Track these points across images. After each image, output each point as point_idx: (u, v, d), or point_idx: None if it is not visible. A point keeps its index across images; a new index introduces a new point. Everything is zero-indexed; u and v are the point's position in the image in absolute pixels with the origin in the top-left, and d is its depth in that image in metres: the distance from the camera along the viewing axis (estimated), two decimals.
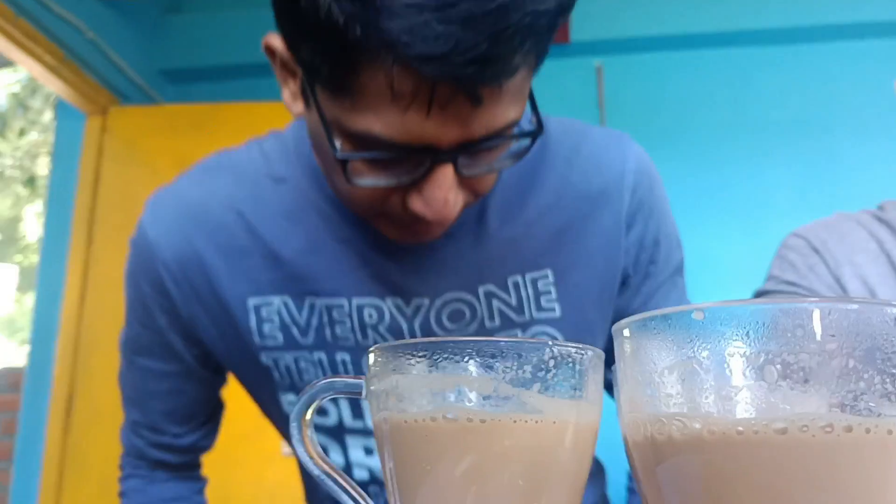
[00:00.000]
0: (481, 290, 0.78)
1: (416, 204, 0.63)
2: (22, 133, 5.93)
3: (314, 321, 0.77)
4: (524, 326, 0.80)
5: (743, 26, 2.74)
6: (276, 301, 0.77)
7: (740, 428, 0.26)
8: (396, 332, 0.77)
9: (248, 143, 0.84)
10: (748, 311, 0.27)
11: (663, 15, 2.77)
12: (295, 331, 0.77)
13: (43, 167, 5.98)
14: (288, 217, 0.78)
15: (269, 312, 0.77)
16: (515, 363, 0.35)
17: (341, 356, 0.78)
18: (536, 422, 0.35)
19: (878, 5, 2.66)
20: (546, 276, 0.79)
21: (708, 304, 0.27)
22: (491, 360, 0.35)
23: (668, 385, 0.28)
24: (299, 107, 0.70)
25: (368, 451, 0.83)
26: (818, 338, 0.26)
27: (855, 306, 0.27)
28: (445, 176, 0.62)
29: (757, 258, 2.70)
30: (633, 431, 0.30)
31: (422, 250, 0.77)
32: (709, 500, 0.27)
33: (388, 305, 0.77)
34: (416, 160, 0.62)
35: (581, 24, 2.80)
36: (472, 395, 0.35)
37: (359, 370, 0.78)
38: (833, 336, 0.26)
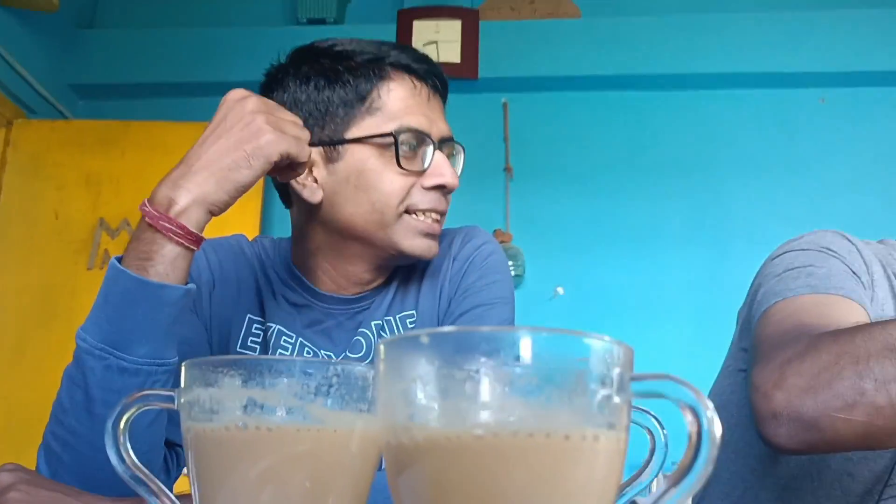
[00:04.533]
0: (374, 325, 1.08)
1: (440, 178, 0.98)
2: None
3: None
4: None
5: (640, 71, 2.91)
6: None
7: (448, 434, 0.32)
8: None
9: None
10: (455, 337, 0.33)
11: (567, 57, 2.92)
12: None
13: None
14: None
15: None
16: (302, 380, 0.40)
17: None
18: (318, 430, 0.40)
19: (759, 59, 2.87)
20: (412, 315, 1.08)
21: (438, 329, 0.33)
22: (282, 378, 0.40)
23: (401, 398, 0.34)
24: (319, 195, 0.99)
25: None
26: (509, 359, 0.32)
27: (551, 336, 0.33)
28: (444, 156, 1.00)
29: (649, 285, 2.86)
30: (384, 436, 0.35)
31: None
32: (434, 494, 0.33)
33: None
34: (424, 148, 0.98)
35: (489, 62, 2.91)
36: (262, 407, 0.40)
37: None
38: (525, 360, 0.32)
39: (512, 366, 0.32)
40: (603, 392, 0.32)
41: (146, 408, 0.43)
